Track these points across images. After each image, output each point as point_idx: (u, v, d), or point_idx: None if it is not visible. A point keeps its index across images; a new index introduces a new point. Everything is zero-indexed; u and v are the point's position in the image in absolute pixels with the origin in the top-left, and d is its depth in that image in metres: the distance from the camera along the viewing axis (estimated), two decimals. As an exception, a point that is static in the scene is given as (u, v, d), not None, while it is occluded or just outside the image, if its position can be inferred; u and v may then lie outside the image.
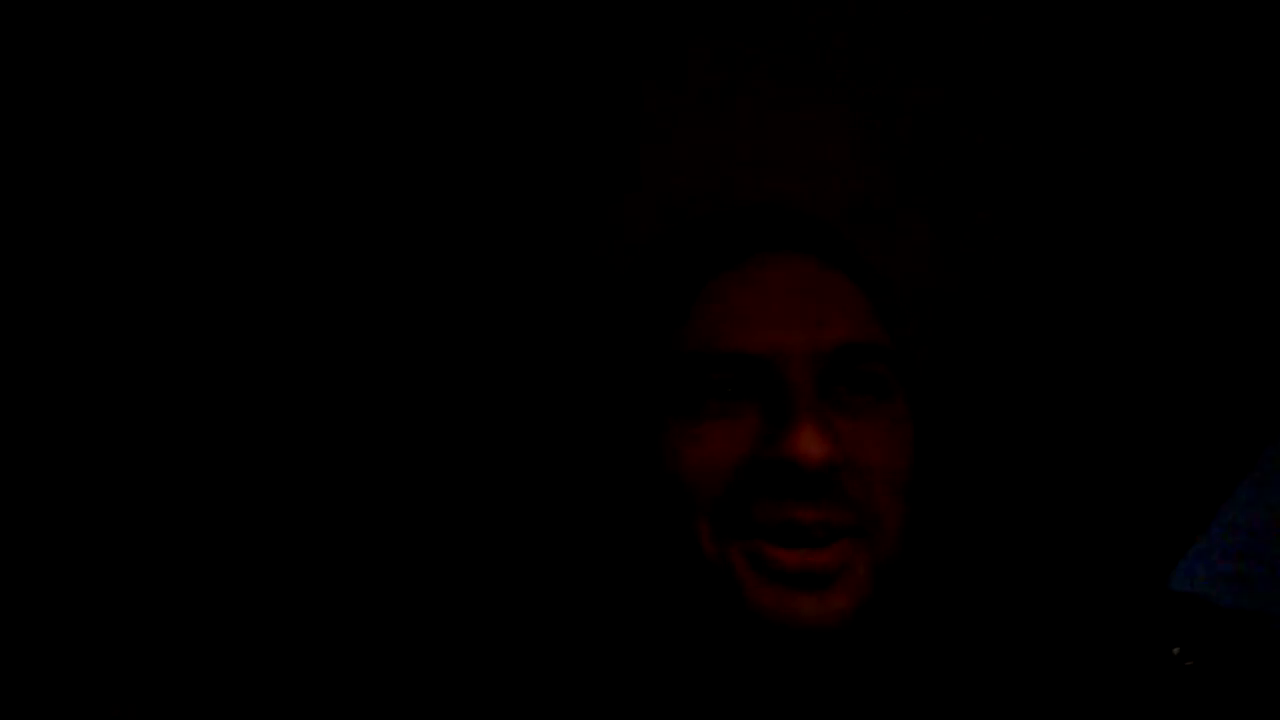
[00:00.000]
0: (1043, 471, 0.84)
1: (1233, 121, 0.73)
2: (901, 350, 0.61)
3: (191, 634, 0.77)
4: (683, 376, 0.57)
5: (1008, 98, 0.71)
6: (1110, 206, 0.77)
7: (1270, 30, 0.69)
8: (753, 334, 0.57)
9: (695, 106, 0.71)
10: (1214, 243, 0.78)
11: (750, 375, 0.57)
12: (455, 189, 0.74)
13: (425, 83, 0.69)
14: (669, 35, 0.69)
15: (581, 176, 0.74)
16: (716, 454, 0.56)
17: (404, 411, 0.80)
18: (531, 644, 0.64)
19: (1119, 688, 0.64)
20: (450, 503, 0.81)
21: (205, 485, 0.80)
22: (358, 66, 0.68)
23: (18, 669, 0.72)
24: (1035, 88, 0.71)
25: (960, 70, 0.71)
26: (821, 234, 0.63)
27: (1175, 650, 0.63)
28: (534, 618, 0.67)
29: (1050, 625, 0.69)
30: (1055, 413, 0.84)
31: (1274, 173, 0.74)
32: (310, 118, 0.70)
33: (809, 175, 0.73)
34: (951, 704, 0.60)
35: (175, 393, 0.78)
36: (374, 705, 0.65)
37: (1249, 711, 0.62)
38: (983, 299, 0.80)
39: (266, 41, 0.67)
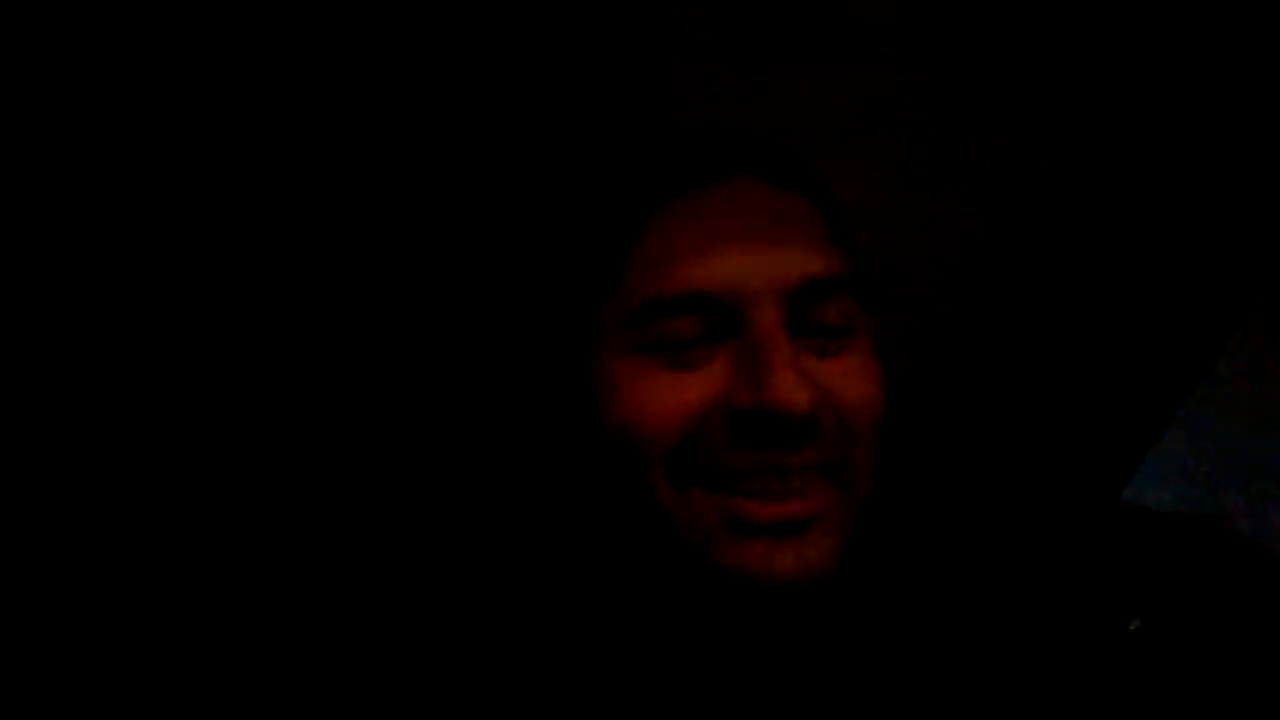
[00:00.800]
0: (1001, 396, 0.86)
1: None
2: (863, 277, 0.57)
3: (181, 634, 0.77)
4: (634, 324, 0.53)
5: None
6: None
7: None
8: (711, 271, 0.52)
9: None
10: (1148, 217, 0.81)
11: (712, 317, 0.52)
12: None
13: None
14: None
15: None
16: (675, 403, 0.52)
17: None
18: (496, 617, 0.58)
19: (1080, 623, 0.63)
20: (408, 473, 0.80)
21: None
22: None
23: (17, 669, 0.73)
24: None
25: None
26: (776, 153, 0.58)
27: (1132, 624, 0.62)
28: (494, 591, 0.61)
29: (1012, 552, 0.69)
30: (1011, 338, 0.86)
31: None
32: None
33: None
34: (931, 646, 0.57)
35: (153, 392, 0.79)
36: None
37: (1203, 613, 0.63)
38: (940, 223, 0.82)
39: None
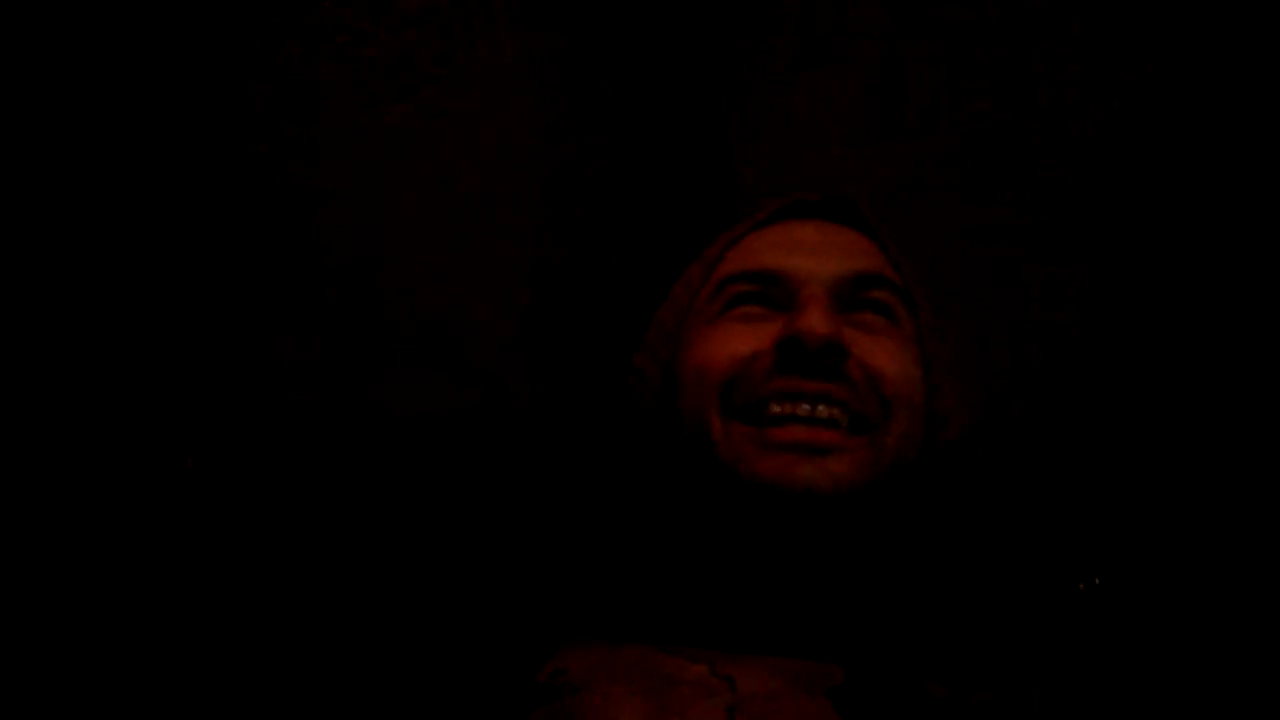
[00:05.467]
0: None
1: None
2: (911, 290, 0.72)
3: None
4: (712, 297, 0.70)
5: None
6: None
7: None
8: (775, 260, 0.69)
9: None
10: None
11: (770, 287, 0.68)
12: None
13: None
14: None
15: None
16: (733, 348, 0.66)
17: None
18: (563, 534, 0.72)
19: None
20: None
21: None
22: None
23: (17, 669, 0.72)
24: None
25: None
26: (838, 205, 0.76)
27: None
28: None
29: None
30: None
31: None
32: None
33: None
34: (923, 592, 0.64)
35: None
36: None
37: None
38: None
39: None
